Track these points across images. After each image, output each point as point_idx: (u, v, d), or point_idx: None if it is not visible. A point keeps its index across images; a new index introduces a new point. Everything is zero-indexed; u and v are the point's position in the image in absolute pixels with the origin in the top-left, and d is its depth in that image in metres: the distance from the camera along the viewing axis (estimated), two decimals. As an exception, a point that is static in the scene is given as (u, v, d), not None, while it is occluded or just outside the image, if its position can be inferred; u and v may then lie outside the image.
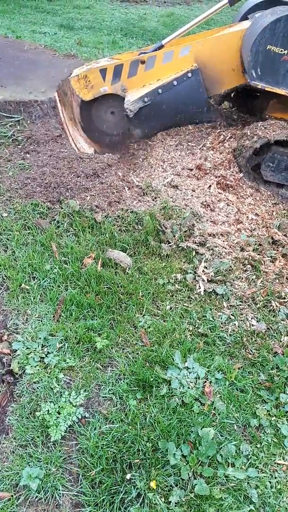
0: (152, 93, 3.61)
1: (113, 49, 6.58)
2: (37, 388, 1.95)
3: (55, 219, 2.79)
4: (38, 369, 2.01)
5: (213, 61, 3.64)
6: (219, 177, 3.46)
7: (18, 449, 1.77)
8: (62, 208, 2.82)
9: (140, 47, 7.01)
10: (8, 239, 2.63)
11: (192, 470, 1.74)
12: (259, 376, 2.17)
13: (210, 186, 3.38)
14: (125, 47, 6.86)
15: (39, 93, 3.77)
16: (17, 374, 2.00)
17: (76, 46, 6.29)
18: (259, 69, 3.26)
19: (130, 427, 1.85)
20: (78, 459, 1.76)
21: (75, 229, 2.76)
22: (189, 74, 3.62)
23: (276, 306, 2.53)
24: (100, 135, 4.01)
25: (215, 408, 1.98)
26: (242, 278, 2.69)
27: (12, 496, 1.63)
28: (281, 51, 3.16)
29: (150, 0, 11.03)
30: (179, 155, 3.75)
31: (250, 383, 2.12)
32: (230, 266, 2.71)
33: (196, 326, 2.36)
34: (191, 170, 3.56)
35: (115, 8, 9.56)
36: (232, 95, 4.28)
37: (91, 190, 2.97)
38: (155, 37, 7.66)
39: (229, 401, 2.02)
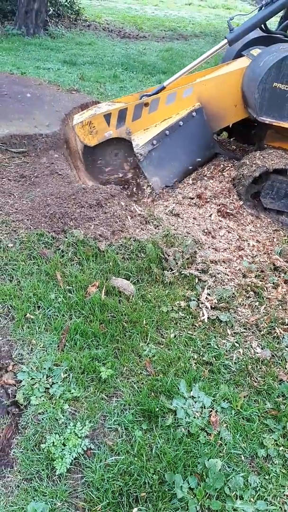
0: (160, 136, 3.67)
1: (114, 83, 6.83)
2: (42, 419, 1.94)
3: (59, 249, 2.83)
4: (43, 400, 2.01)
5: (215, 99, 3.75)
6: (219, 205, 3.53)
7: (23, 482, 1.75)
8: (66, 238, 2.88)
9: (140, 80, 7.27)
10: (13, 269, 2.66)
11: (200, 503, 1.71)
12: (265, 404, 2.15)
13: (211, 214, 3.45)
14: (125, 80, 7.11)
15: (43, 127, 3.90)
16: (22, 405, 2.00)
17: (79, 81, 6.53)
18: (266, 105, 3.39)
19: (136, 458, 1.83)
20: (83, 493, 1.73)
21: (79, 258, 2.81)
22: (194, 114, 3.72)
23: (280, 332, 2.53)
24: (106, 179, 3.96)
25: (221, 438, 1.96)
26: (245, 305, 2.70)
27: (17, 532, 1.60)
28: (287, 87, 3.30)
29: (149, 36, 11.51)
30: (180, 184, 3.84)
31: (257, 412, 2.10)
32: (233, 293, 2.73)
33: (201, 354, 2.36)
34: (192, 198, 3.63)
35: (116, 44, 9.96)
36: (230, 125, 4.41)
37: (94, 219, 3.03)
38: (155, 70, 7.95)
39: (236, 431, 2.00)
